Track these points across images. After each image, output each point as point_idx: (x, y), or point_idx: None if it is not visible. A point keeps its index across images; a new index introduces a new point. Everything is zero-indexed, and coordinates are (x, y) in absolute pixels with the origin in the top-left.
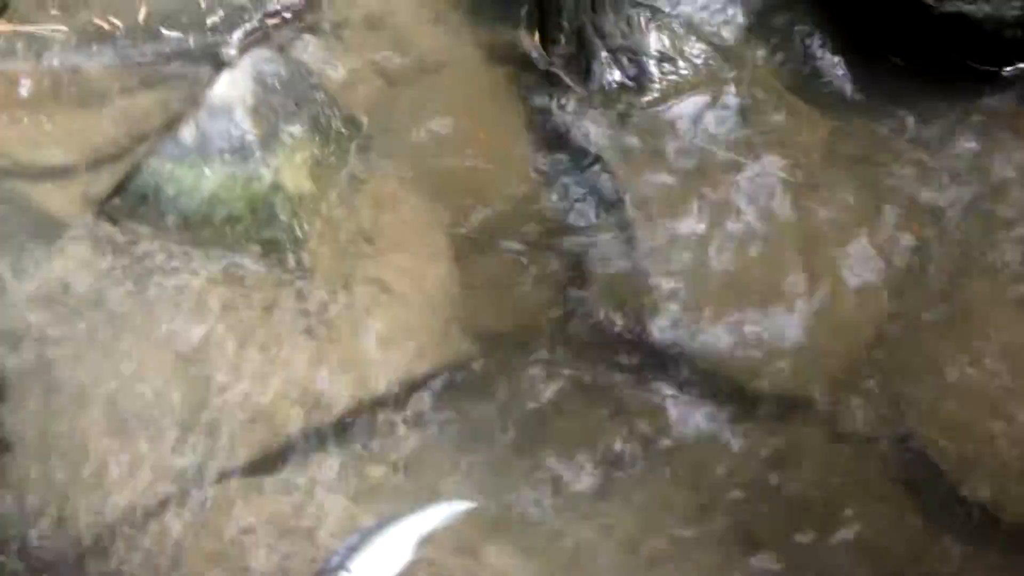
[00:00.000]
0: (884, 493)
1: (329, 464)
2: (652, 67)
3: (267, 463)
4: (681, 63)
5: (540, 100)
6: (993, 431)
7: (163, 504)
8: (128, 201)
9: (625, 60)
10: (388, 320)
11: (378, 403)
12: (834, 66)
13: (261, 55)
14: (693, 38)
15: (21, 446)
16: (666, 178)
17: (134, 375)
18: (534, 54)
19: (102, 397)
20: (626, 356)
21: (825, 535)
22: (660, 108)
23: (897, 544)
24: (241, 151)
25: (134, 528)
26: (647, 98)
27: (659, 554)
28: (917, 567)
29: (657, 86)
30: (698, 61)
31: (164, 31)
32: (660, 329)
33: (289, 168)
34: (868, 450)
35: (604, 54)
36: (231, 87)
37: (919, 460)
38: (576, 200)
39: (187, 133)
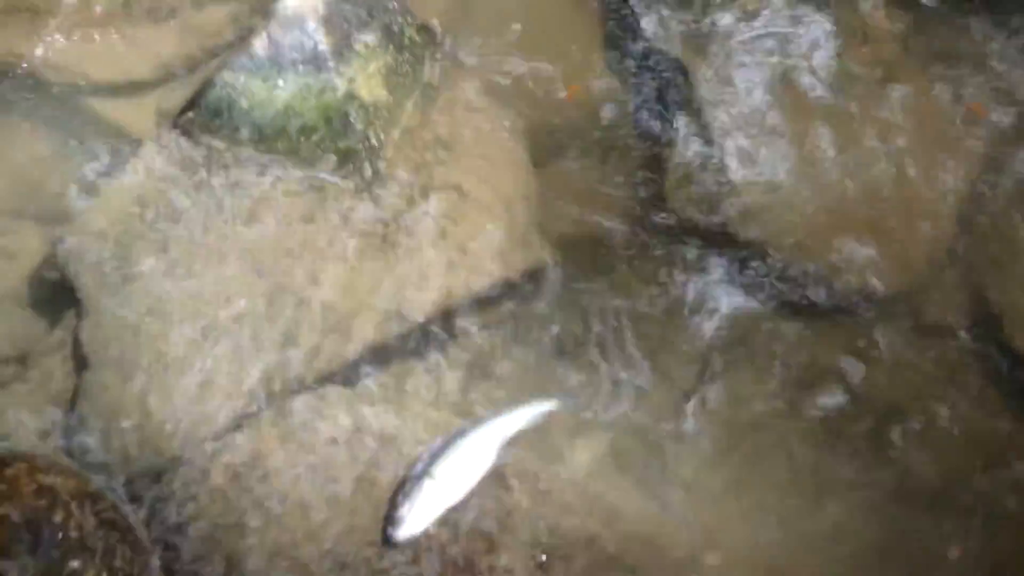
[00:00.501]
0: (968, 384)
1: (410, 371)
2: None
3: (348, 372)
4: None
5: (614, 3)
6: None
7: (246, 416)
8: (202, 115)
9: None
10: (466, 226)
11: (458, 309)
12: None
13: None
14: None
15: (101, 362)
16: (742, 76)
17: (212, 287)
18: None
19: (181, 310)
20: (707, 255)
21: (908, 428)
22: (735, 7)
23: (980, 435)
24: (314, 62)
25: (217, 441)
26: None
27: (742, 449)
28: (1001, 457)
29: None
30: None
31: None
32: (740, 226)
33: (363, 77)
34: (951, 342)
35: None
36: None
37: (1003, 351)
38: (652, 101)
39: (259, 45)
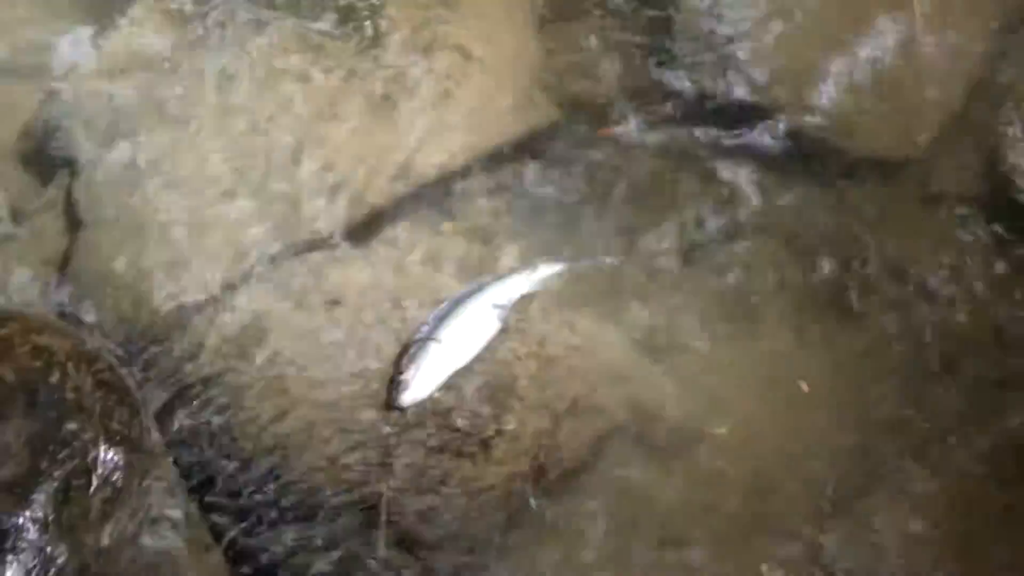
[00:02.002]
0: (979, 251)
1: (413, 234)
2: None
3: (351, 234)
4: None
5: None
6: None
7: (245, 278)
8: None
9: None
10: (469, 87)
11: (462, 171)
12: None
13: None
14: None
15: (95, 221)
16: None
17: (210, 147)
18: None
19: (178, 170)
20: (712, 121)
21: (919, 296)
22: None
23: (991, 302)
24: None
25: (215, 304)
26: None
27: (749, 318)
28: (1012, 323)
29: None
30: None
31: None
32: (747, 93)
33: None
34: (963, 208)
35: None
36: None
37: (1017, 215)
38: None
39: None
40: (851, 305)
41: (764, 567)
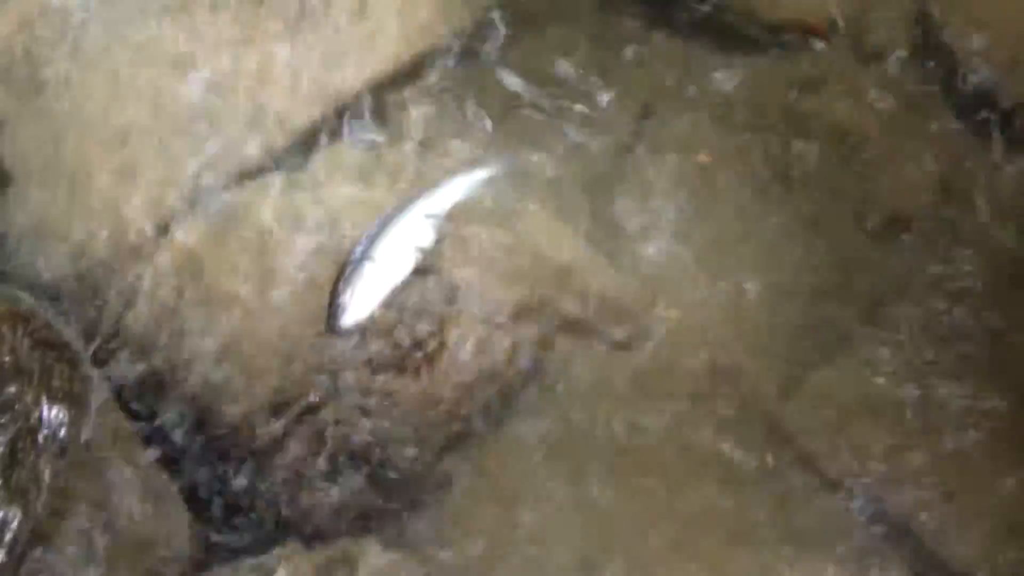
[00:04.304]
0: (915, 107)
1: (342, 153)
2: None
3: (277, 161)
4: None
5: None
6: None
7: (176, 216)
8: None
9: None
10: None
11: (388, 82)
12: None
13: None
14: None
15: (24, 176)
16: None
17: (128, 88)
18: None
19: (99, 115)
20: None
21: (859, 158)
22: None
23: (932, 156)
24: None
25: (148, 245)
26: None
27: (692, 197)
28: (954, 176)
29: None
30: None
31: None
32: None
33: None
34: (897, 64)
35: None
36: None
37: (951, 67)
38: None
39: None
40: (795, 173)
41: (725, 446)
